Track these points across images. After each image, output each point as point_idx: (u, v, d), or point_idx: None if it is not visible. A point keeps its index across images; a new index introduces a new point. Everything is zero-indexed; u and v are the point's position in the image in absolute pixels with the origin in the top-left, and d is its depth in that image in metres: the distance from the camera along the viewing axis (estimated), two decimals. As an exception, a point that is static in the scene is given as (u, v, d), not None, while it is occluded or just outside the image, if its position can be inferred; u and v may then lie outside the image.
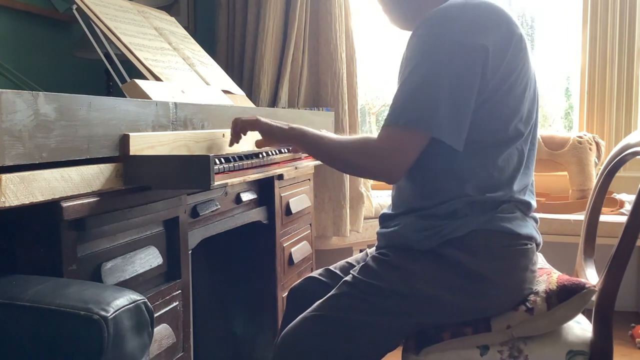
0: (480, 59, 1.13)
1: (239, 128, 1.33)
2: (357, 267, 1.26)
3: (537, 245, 1.25)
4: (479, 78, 1.13)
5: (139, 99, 1.14)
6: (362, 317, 1.19)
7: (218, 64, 1.99)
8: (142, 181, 1.06)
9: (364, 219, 2.63)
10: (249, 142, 1.47)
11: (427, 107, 1.12)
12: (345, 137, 1.25)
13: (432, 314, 1.20)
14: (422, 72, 1.14)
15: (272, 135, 1.32)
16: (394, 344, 1.24)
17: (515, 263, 1.18)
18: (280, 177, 1.78)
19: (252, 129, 1.33)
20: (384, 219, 1.33)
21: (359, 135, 1.26)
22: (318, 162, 1.86)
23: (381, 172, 1.19)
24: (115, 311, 0.80)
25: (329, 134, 1.30)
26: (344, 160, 1.23)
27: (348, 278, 1.25)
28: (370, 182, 2.73)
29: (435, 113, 1.11)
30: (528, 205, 1.23)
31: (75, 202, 0.94)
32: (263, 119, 1.32)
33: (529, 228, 1.22)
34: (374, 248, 1.37)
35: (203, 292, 1.88)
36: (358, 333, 1.19)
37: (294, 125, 1.31)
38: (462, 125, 1.14)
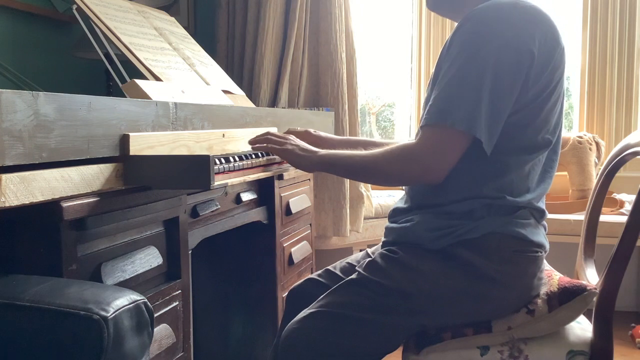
0: (526, 64, 1.12)
1: (264, 146, 1.36)
2: (364, 263, 1.25)
3: (545, 252, 1.25)
4: (520, 84, 1.13)
5: (139, 99, 1.14)
6: (366, 315, 1.18)
7: (218, 64, 1.99)
8: (142, 181, 1.06)
9: (364, 219, 2.63)
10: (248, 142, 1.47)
11: (472, 108, 1.10)
12: (378, 150, 1.22)
13: (437, 315, 1.19)
14: (467, 72, 1.12)
15: (297, 167, 1.35)
16: (396, 343, 1.24)
17: (524, 269, 1.18)
18: (280, 177, 1.78)
19: (278, 155, 1.37)
20: (395, 213, 1.32)
21: (394, 144, 1.22)
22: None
23: (425, 173, 1.15)
24: (115, 311, 0.80)
25: (357, 152, 1.27)
26: (383, 172, 1.21)
27: (354, 275, 1.24)
28: (370, 182, 2.73)
29: (479, 115, 1.10)
30: (542, 212, 1.23)
31: (75, 202, 0.94)
32: (291, 146, 1.33)
33: (541, 236, 1.22)
34: (377, 246, 1.36)
35: (203, 292, 1.88)
36: (361, 330, 1.18)
37: (322, 155, 1.29)
38: (496, 129, 1.13)
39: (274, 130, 1.67)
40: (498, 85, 1.11)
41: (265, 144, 1.37)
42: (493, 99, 1.11)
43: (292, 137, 1.37)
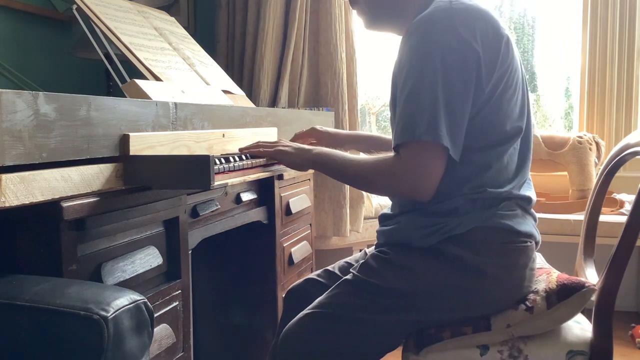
0: (474, 65, 1.13)
1: (257, 150, 1.35)
2: (357, 265, 1.27)
3: (537, 243, 1.25)
4: (473, 84, 1.13)
5: (139, 99, 1.15)
6: (362, 315, 1.19)
7: (218, 64, 1.99)
8: (142, 181, 1.06)
9: (364, 219, 2.63)
10: (249, 142, 1.47)
11: (432, 119, 1.11)
12: (370, 159, 1.23)
13: (432, 312, 1.20)
14: (420, 86, 1.12)
15: (290, 166, 1.36)
16: (394, 343, 1.24)
17: (515, 260, 1.18)
18: (280, 177, 1.78)
19: (271, 157, 1.36)
20: (383, 219, 1.34)
21: (382, 154, 1.22)
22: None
23: (412, 192, 1.15)
24: (115, 311, 0.80)
25: (351, 157, 1.27)
26: (372, 184, 1.24)
27: (349, 276, 1.25)
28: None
29: (440, 124, 1.11)
30: (528, 200, 1.24)
31: (75, 202, 0.94)
32: (283, 146, 1.33)
33: (529, 226, 1.22)
34: (374, 247, 1.37)
35: (203, 292, 1.88)
36: (358, 330, 1.19)
37: (315, 154, 1.29)
38: (459, 135, 1.14)
39: (273, 130, 1.67)
40: (450, 91, 1.12)
41: (256, 149, 1.36)
42: (449, 106, 1.12)
43: (283, 140, 1.38)
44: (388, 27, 1.35)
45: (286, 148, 1.33)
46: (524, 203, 1.23)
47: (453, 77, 1.12)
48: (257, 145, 1.38)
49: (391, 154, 1.19)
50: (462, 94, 1.13)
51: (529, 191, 1.26)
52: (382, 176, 1.19)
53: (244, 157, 1.31)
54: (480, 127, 1.16)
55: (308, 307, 1.24)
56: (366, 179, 1.23)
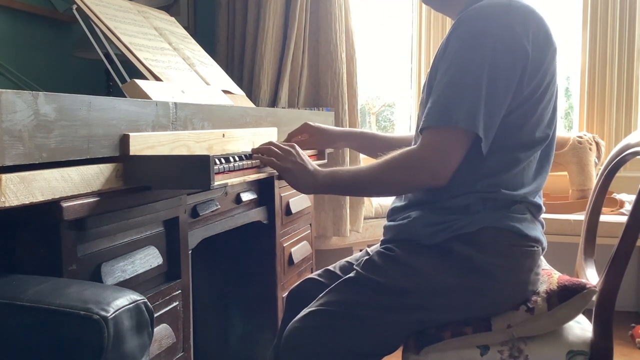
0: (521, 64, 1.13)
1: (266, 159, 1.31)
2: (362, 262, 1.26)
3: (543, 249, 1.25)
4: (515, 83, 1.14)
5: (139, 99, 1.14)
6: (365, 313, 1.19)
7: (218, 64, 1.99)
8: (142, 181, 1.06)
9: (364, 219, 2.63)
10: (249, 142, 1.47)
11: (472, 108, 1.11)
12: (378, 162, 1.21)
13: (435, 311, 1.20)
14: (465, 74, 1.13)
15: (294, 188, 1.32)
16: (397, 341, 1.24)
17: (520, 263, 1.18)
18: (281, 177, 1.77)
19: (277, 171, 1.32)
20: (393, 212, 1.33)
21: (395, 151, 1.20)
22: (318, 162, 1.86)
23: (431, 179, 1.14)
24: (115, 311, 0.80)
25: (357, 168, 1.25)
26: (387, 185, 1.21)
27: (352, 274, 1.25)
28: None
29: (479, 114, 1.11)
30: (539, 208, 1.24)
31: (75, 202, 0.94)
32: (292, 164, 1.27)
33: (537, 231, 1.22)
34: (376, 245, 1.36)
35: (203, 292, 1.88)
36: (361, 328, 1.19)
37: (321, 179, 1.25)
38: (493, 129, 1.14)
39: (273, 130, 1.67)
40: (494, 86, 1.12)
41: (266, 157, 1.32)
42: (489, 99, 1.12)
43: (295, 151, 1.31)
44: (441, 6, 1.35)
45: (294, 167, 1.27)
46: (534, 209, 1.23)
47: (500, 72, 1.12)
48: (269, 150, 1.32)
49: (405, 148, 1.19)
50: (504, 91, 1.13)
51: (540, 200, 1.26)
52: (399, 171, 1.17)
53: (244, 157, 1.31)
54: (508, 127, 1.16)
55: (311, 304, 1.24)
56: (379, 183, 1.20)
